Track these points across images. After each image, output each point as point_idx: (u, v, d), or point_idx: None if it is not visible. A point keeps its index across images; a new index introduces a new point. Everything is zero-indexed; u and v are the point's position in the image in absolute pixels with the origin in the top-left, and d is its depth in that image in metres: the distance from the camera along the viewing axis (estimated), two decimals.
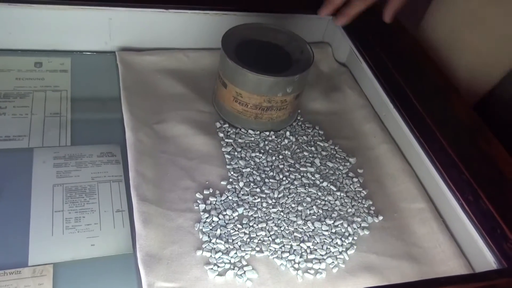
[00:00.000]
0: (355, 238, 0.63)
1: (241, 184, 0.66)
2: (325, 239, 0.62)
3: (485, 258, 0.54)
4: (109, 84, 0.78)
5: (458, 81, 0.83)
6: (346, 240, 0.62)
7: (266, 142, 0.73)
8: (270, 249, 0.60)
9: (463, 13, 0.84)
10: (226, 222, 0.62)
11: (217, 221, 0.61)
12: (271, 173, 0.69)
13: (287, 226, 0.62)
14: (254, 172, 0.68)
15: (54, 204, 0.60)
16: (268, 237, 0.61)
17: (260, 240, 0.60)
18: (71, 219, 0.58)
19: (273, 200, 0.65)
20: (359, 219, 0.65)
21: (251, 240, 0.60)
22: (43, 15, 0.76)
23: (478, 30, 0.82)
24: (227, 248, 0.59)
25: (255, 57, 0.71)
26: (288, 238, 0.61)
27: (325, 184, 0.69)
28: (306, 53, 0.74)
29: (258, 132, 0.75)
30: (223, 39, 0.71)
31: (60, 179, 0.63)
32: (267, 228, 0.62)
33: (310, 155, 0.73)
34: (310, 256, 0.60)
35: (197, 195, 0.64)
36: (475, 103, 0.86)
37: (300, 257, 0.59)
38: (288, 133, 0.76)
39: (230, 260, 0.58)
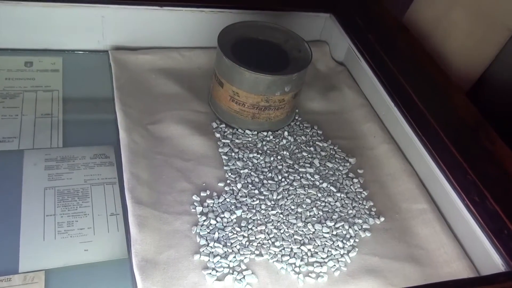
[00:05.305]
0: (357, 240, 0.62)
1: (239, 185, 0.64)
2: (326, 241, 0.60)
3: (492, 260, 0.53)
4: (102, 84, 0.76)
5: (451, 66, 0.81)
6: (347, 243, 0.61)
7: (264, 143, 0.72)
8: (270, 253, 0.58)
9: None
10: (224, 225, 0.60)
11: (215, 224, 0.59)
12: (270, 174, 0.67)
13: (287, 229, 0.61)
14: (252, 173, 0.66)
15: (45, 208, 0.58)
16: (267, 240, 0.59)
17: (259, 243, 0.59)
18: (63, 223, 0.56)
19: (272, 202, 0.63)
20: (360, 221, 0.64)
21: (250, 244, 0.58)
22: (34, 13, 0.74)
23: (464, 8, 0.80)
24: (225, 252, 0.57)
25: (252, 55, 0.70)
26: (288, 241, 0.59)
27: (325, 185, 0.67)
28: (304, 52, 0.72)
29: (256, 132, 0.73)
30: (220, 37, 0.70)
31: (52, 182, 0.60)
32: (267, 230, 0.60)
33: (309, 156, 0.71)
34: (311, 259, 0.58)
35: (194, 197, 0.62)
36: (467, 90, 0.83)
37: (301, 260, 0.58)
38: (286, 133, 0.74)
39: (228, 264, 0.56)
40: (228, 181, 0.65)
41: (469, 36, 0.78)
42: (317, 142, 0.74)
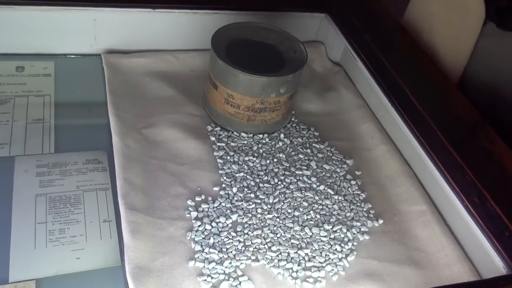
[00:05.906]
0: (355, 243, 0.60)
1: (234, 189, 0.63)
2: (324, 245, 0.59)
3: (493, 263, 0.52)
4: (94, 88, 0.75)
5: (440, 61, 0.80)
6: (345, 246, 0.60)
7: (260, 145, 0.71)
8: (266, 258, 0.57)
9: None
10: (220, 230, 0.59)
11: (210, 229, 0.58)
12: (266, 178, 0.66)
13: (284, 233, 0.60)
14: (247, 176, 0.65)
15: (36, 215, 0.56)
16: (264, 245, 0.58)
17: (255, 248, 0.58)
18: (54, 231, 0.55)
19: (268, 206, 0.62)
20: (358, 224, 0.62)
21: (246, 249, 0.57)
22: (25, 16, 0.73)
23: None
24: (221, 257, 0.56)
25: (247, 57, 0.69)
26: (285, 245, 0.58)
27: (322, 187, 0.66)
28: (299, 52, 0.71)
29: (251, 135, 0.72)
30: (213, 39, 0.68)
31: (43, 189, 0.59)
32: (263, 235, 0.59)
33: (306, 158, 0.70)
34: (309, 264, 0.57)
35: (189, 202, 0.61)
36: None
37: (298, 265, 0.57)
38: (282, 135, 0.73)
39: (224, 271, 0.55)
40: (223, 185, 0.64)
41: (448, 25, 0.77)
42: (313, 144, 0.72)
